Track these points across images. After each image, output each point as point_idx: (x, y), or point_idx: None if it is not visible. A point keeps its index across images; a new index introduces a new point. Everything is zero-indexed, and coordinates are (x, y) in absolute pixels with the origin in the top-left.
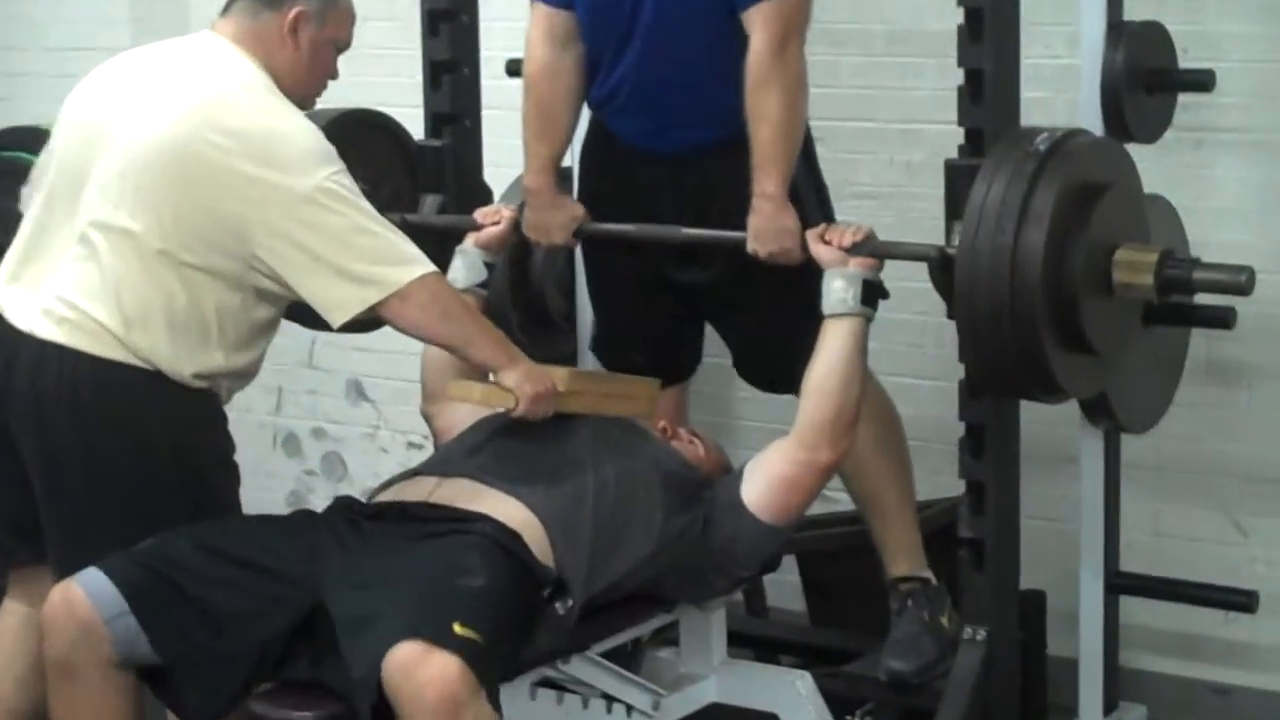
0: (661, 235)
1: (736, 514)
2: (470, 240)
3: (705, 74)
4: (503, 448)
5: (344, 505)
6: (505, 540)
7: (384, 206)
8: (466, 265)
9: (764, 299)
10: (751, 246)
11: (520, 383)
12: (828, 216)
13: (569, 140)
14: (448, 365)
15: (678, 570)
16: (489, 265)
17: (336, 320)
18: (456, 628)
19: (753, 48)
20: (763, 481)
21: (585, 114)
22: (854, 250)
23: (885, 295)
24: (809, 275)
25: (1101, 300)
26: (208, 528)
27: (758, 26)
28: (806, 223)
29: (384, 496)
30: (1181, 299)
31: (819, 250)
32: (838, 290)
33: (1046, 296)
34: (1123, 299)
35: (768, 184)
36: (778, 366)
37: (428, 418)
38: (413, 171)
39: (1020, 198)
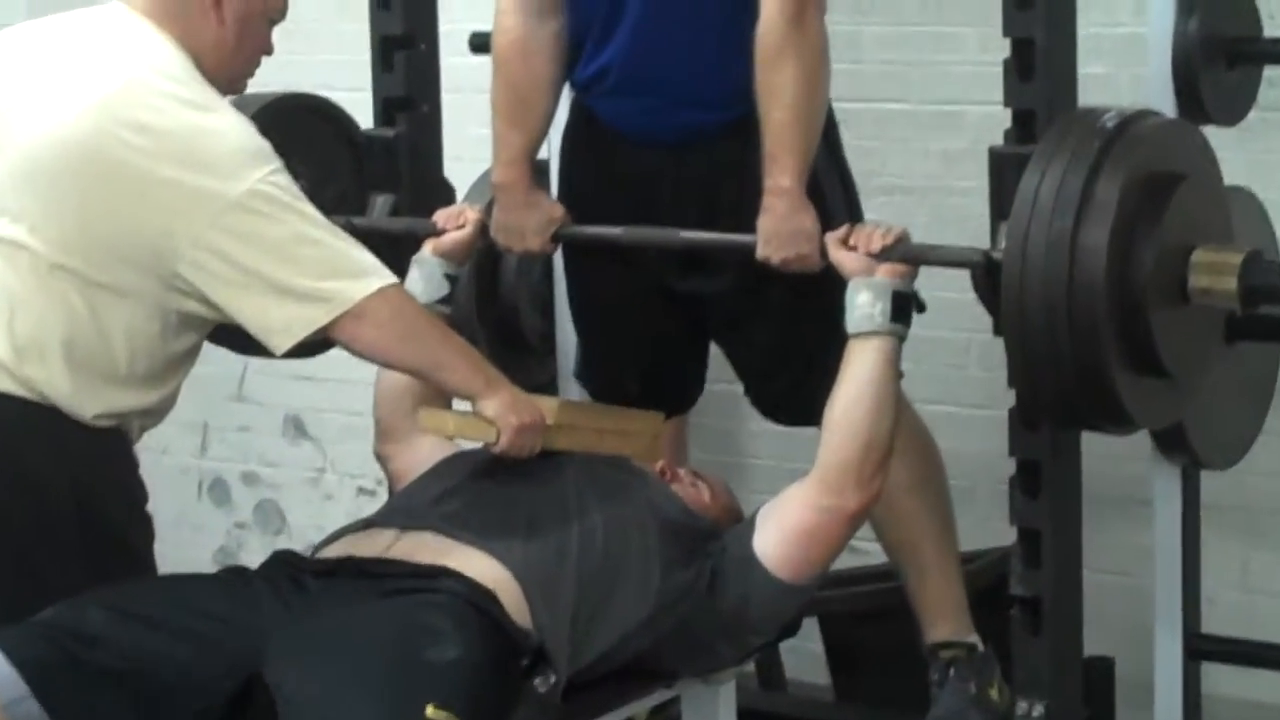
0: (656, 239)
1: (748, 570)
2: (429, 248)
3: (713, 47)
4: (473, 493)
5: (283, 560)
6: (478, 600)
7: (328, 209)
8: (425, 278)
9: (780, 314)
10: (762, 251)
11: (503, 412)
12: (855, 216)
13: (546, 127)
14: (407, 394)
15: (679, 637)
16: (452, 278)
17: (280, 346)
18: (430, 711)
19: (764, 16)
20: (778, 532)
21: (566, 95)
22: (883, 256)
23: (921, 309)
24: (834, 286)
25: (1176, 311)
26: (120, 591)
27: None
28: (829, 223)
29: (331, 551)
30: (1270, 309)
31: (841, 257)
32: (864, 304)
33: (1111, 307)
34: (1201, 309)
35: (782, 177)
36: (796, 394)
37: (382, 459)
38: (361, 166)
39: (1079, 189)
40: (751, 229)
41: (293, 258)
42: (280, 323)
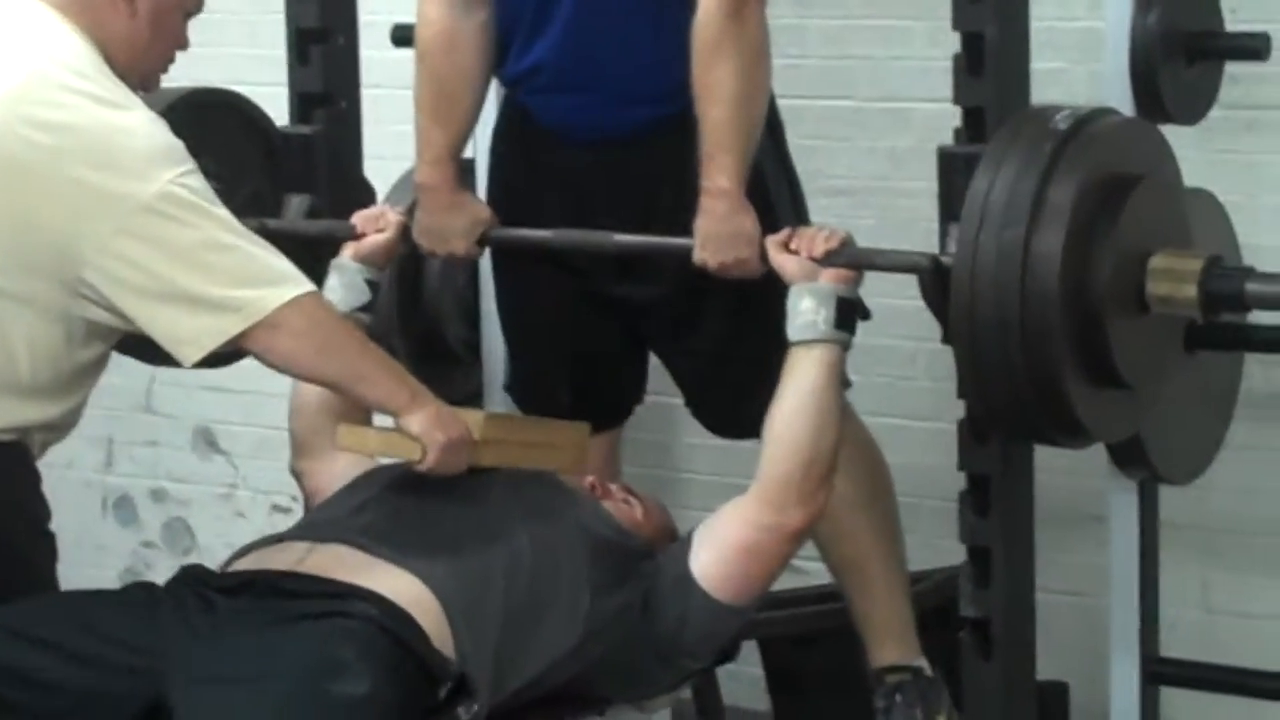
0: (589, 242)
1: (685, 591)
2: (348, 252)
3: (651, 40)
4: (393, 507)
5: (192, 576)
6: (392, 625)
7: (241, 210)
8: (344, 284)
9: (722, 322)
10: (699, 255)
11: (428, 429)
12: (802, 218)
13: (472, 124)
14: (324, 406)
15: (610, 662)
16: (373, 284)
17: (189, 358)
18: None
19: (702, 7)
20: (716, 551)
21: (494, 93)
22: (826, 260)
23: (866, 316)
24: (777, 292)
25: (1134, 319)
26: (17, 610)
27: None
28: (775, 225)
29: (242, 565)
30: (1232, 317)
31: (782, 261)
32: (806, 310)
33: (1066, 315)
34: (1160, 317)
35: (720, 177)
36: (739, 406)
37: (298, 475)
38: (276, 165)
39: (1032, 192)
40: (690, 232)
41: (204, 264)
42: (190, 333)
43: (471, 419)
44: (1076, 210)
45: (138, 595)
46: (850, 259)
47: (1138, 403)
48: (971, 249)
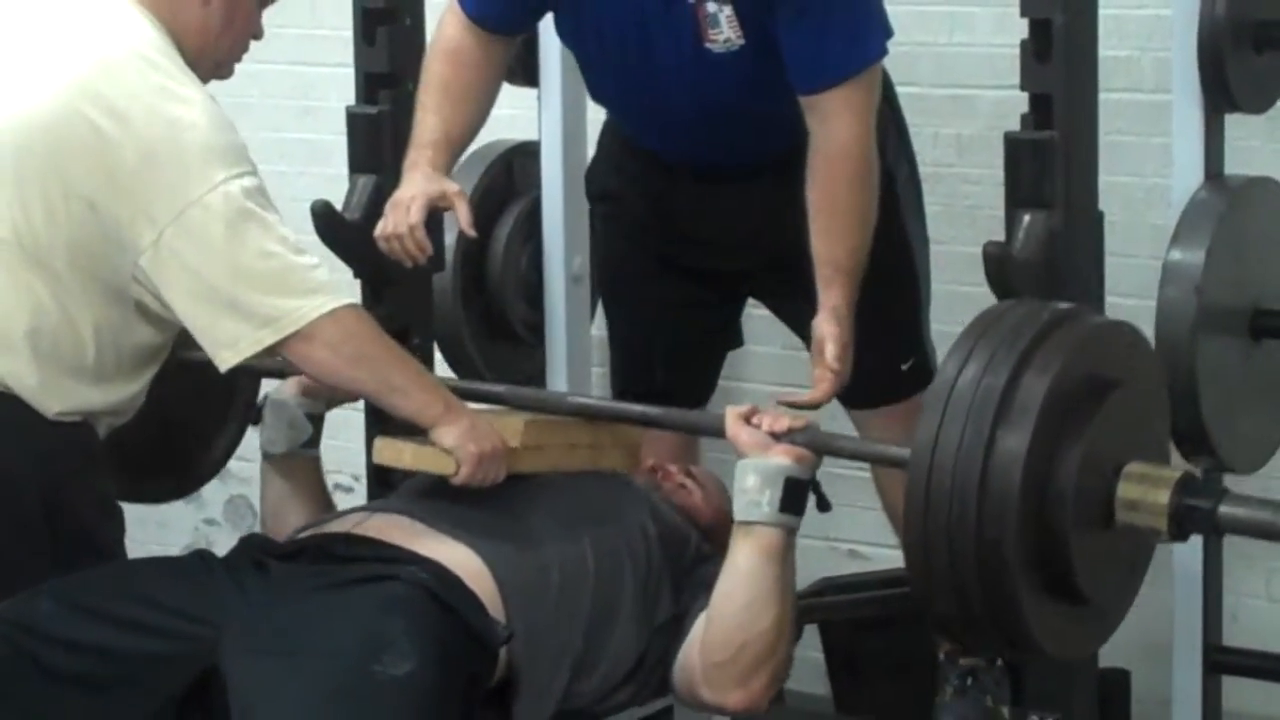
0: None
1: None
2: (289, 388)
3: (768, 132)
4: (451, 504)
5: (251, 545)
6: (443, 591)
7: None
8: (283, 421)
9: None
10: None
11: (461, 442)
12: (912, 170)
13: (469, 130)
14: (291, 514)
15: (668, 663)
16: (313, 418)
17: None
18: None
19: (831, 140)
20: (678, 673)
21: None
22: (785, 437)
23: (824, 507)
24: (889, 249)
25: (1099, 532)
26: (74, 581)
27: (835, 113)
28: (887, 181)
29: (300, 535)
30: None
31: (737, 431)
32: (751, 489)
33: (1024, 521)
34: (1126, 531)
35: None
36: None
37: None
38: None
39: (1001, 386)
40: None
41: (246, 270)
42: (228, 338)
43: (511, 426)
44: (1045, 411)
45: (195, 564)
46: (810, 441)
47: (1099, 620)
48: (930, 443)
